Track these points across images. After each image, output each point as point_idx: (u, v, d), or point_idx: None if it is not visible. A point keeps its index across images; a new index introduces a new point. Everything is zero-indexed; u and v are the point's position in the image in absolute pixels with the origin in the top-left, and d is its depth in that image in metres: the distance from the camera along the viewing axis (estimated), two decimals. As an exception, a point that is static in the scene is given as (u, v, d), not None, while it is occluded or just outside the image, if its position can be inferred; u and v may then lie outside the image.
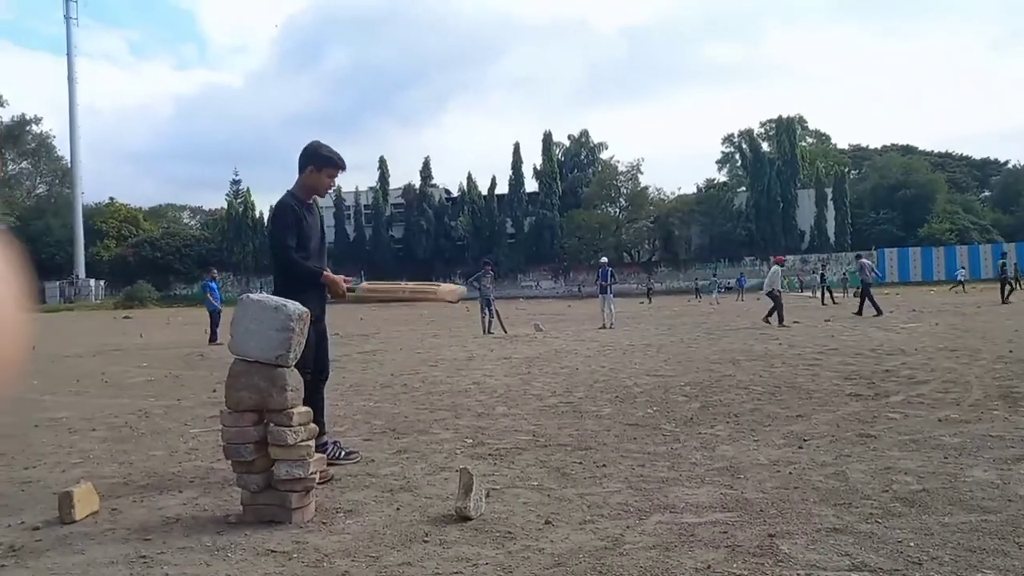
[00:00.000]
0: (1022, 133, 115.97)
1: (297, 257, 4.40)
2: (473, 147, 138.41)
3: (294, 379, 3.58)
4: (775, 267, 17.55)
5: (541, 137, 61.91)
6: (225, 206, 66.40)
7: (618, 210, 61.37)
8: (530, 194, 62.19)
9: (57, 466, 4.81)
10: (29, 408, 7.01)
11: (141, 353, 14.21)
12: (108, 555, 3.08)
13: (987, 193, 75.25)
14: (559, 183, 61.05)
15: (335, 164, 4.57)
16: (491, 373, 9.14)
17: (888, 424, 5.26)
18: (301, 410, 3.58)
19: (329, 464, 4.19)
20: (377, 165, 64.13)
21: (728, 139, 68.42)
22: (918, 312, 19.61)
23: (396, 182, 63.75)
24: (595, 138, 66.34)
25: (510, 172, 62.37)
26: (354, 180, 64.85)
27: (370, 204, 63.50)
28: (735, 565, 2.77)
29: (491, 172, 78.56)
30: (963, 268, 41.49)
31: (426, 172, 63.41)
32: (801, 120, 67.75)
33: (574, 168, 64.48)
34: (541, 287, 59.56)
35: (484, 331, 16.75)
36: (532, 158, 62.83)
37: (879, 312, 18.04)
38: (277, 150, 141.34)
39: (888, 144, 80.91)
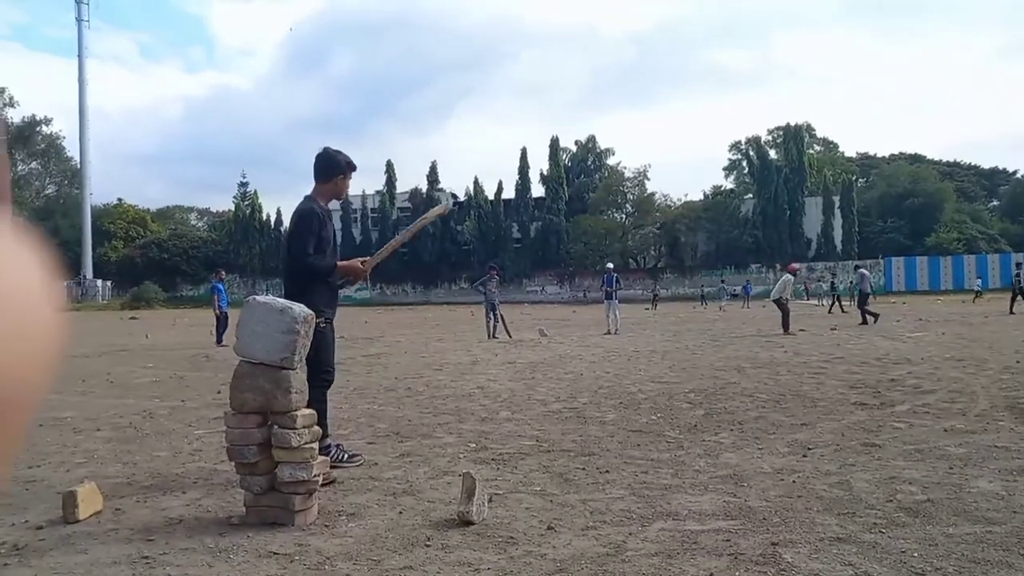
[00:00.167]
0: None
1: (314, 259, 4.48)
2: (480, 152, 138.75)
3: (299, 381, 3.59)
4: (787, 276, 17.47)
5: (548, 142, 62.01)
6: (232, 208, 66.64)
7: (624, 216, 61.31)
8: (536, 199, 62.20)
9: (61, 466, 4.82)
10: (38, 406, 7.02)
11: (147, 354, 14.25)
12: (111, 555, 3.09)
13: (995, 203, 74.86)
14: (566, 188, 61.04)
15: (354, 168, 4.73)
16: (495, 378, 9.14)
17: (893, 434, 5.24)
18: (305, 412, 3.59)
19: (332, 467, 4.20)
20: (384, 169, 64.27)
21: (735, 146, 68.23)
22: (925, 321, 19.52)
23: (403, 186, 63.82)
24: (602, 144, 66.30)
25: (517, 177, 62.42)
26: (361, 184, 64.90)
27: (377, 208, 63.58)
28: (738, 573, 2.76)
29: (498, 177, 78.65)
30: (980, 278, 41.25)
31: (433, 176, 63.51)
32: (809, 128, 67.60)
33: (581, 173, 64.43)
34: (546, 292, 59.52)
35: (488, 335, 16.74)
36: (539, 163, 62.99)
37: (866, 320, 18.26)
38: (284, 153, 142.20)
39: (896, 152, 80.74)
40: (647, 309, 35.28)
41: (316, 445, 3.62)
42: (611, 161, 65.10)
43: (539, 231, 60.68)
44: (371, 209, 63.89)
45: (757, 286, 46.30)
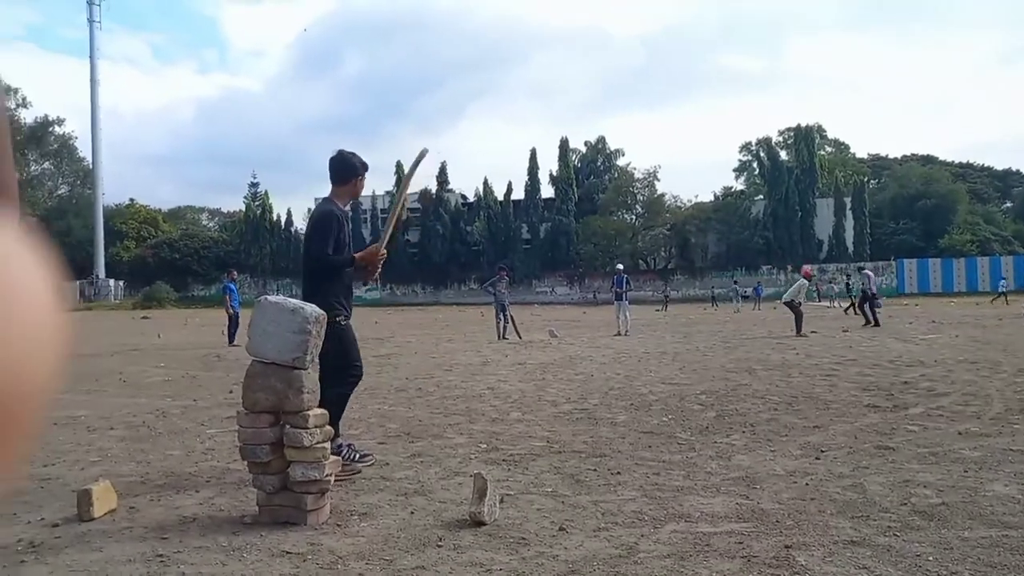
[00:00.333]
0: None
1: (332, 257, 4.54)
2: (490, 152, 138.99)
3: (311, 381, 3.60)
4: (802, 280, 17.41)
5: (558, 143, 62.01)
6: (243, 209, 66.96)
7: (634, 217, 61.22)
8: (546, 200, 62.19)
9: (76, 464, 4.86)
10: (48, 406, 7.08)
11: (159, 353, 14.34)
12: (126, 553, 3.11)
13: (1009, 204, 74.29)
14: (575, 189, 61.01)
15: (367, 168, 4.80)
16: (505, 378, 9.14)
17: (907, 436, 5.20)
18: (317, 412, 3.60)
19: (343, 467, 4.22)
20: (394, 170, 64.36)
21: (746, 147, 67.98)
22: (938, 323, 19.39)
23: (412, 186, 63.91)
24: (612, 145, 66.34)
25: (526, 178, 62.45)
26: (371, 184, 65.10)
27: (386, 208, 63.75)
28: (751, 576, 2.74)
29: (507, 178, 78.55)
30: (1004, 279, 40.86)
31: (442, 177, 63.61)
32: (820, 129, 67.31)
33: (590, 174, 64.41)
34: (556, 293, 59.49)
35: (499, 336, 16.74)
36: (548, 164, 62.93)
37: (869, 321, 18.24)
38: (295, 154, 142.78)
39: (908, 154, 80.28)
40: (658, 311, 35.20)
41: (328, 445, 3.63)
42: (621, 162, 65.10)
43: (549, 232, 60.66)
44: (381, 209, 64.03)
45: (768, 288, 46.07)
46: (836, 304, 33.25)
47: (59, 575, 2.91)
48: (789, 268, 53.21)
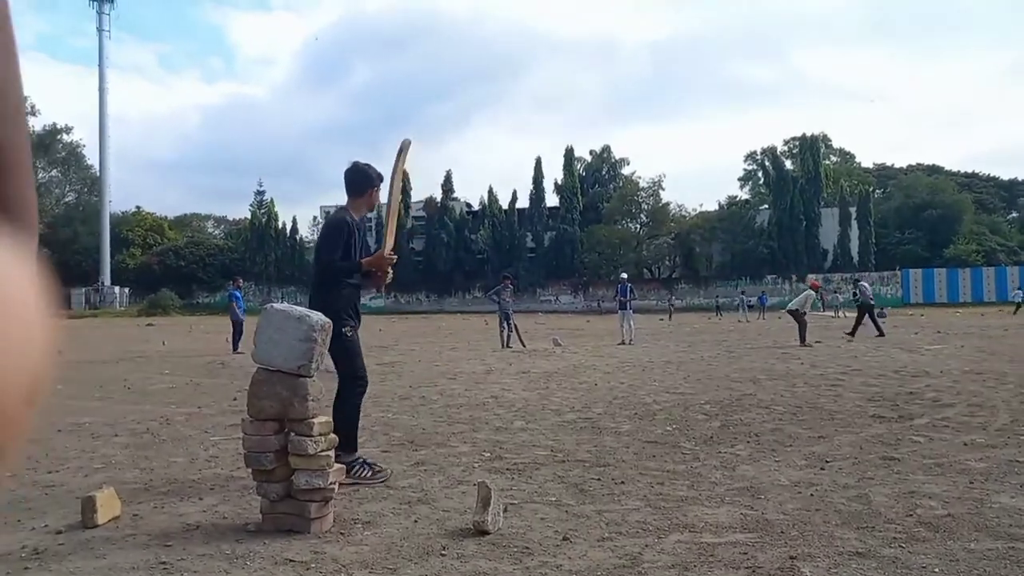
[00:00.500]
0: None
1: (339, 263, 4.54)
2: (495, 161, 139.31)
3: (315, 389, 3.61)
4: (808, 291, 17.38)
5: (563, 152, 62.12)
6: (248, 216, 67.17)
7: (639, 226, 61.25)
8: (551, 209, 62.27)
9: (80, 471, 4.87)
10: (53, 413, 7.11)
11: (163, 360, 14.37)
12: (129, 560, 3.11)
13: (1014, 214, 74.21)
14: (580, 198, 61.07)
15: (381, 179, 4.82)
16: (509, 387, 9.13)
17: (912, 447, 5.18)
18: (322, 420, 3.61)
19: (353, 483, 4.22)
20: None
21: (751, 156, 68.07)
22: (943, 334, 19.32)
23: (417, 195, 64.11)
24: (617, 154, 66.42)
25: (531, 186, 62.58)
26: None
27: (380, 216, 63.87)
28: (755, 587, 2.73)
29: (512, 186, 78.76)
30: (1020, 290, 40.64)
31: (447, 185, 63.78)
32: (825, 138, 67.36)
33: (595, 183, 64.48)
34: (560, 302, 59.47)
35: (503, 345, 16.73)
36: (553, 173, 63.05)
37: (853, 334, 17.82)
38: (301, 162, 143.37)
39: (914, 164, 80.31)
40: (661, 320, 35.15)
41: (332, 453, 3.63)
42: (626, 171, 65.18)
43: (553, 241, 60.71)
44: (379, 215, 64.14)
45: (772, 297, 45.99)
46: (841, 314, 33.12)
47: (63, 582, 2.92)
48: (794, 278, 53.14)
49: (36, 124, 64.05)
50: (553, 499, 3.99)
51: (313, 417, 3.55)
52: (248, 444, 3.58)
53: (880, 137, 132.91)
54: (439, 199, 63.01)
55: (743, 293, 42.20)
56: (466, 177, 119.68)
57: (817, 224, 56.76)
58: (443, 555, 3.12)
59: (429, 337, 22.56)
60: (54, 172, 69.01)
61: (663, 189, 61.01)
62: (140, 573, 2.97)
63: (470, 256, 61.67)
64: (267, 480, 3.52)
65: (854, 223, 56.50)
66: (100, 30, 66.20)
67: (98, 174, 66.39)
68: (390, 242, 4.76)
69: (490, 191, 62.84)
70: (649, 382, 9.46)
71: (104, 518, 3.59)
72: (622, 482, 4.33)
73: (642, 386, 9.03)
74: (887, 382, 8.93)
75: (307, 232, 67.76)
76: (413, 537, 3.37)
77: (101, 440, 5.95)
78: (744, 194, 69.39)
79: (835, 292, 40.90)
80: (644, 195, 60.94)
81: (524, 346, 16.46)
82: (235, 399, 7.88)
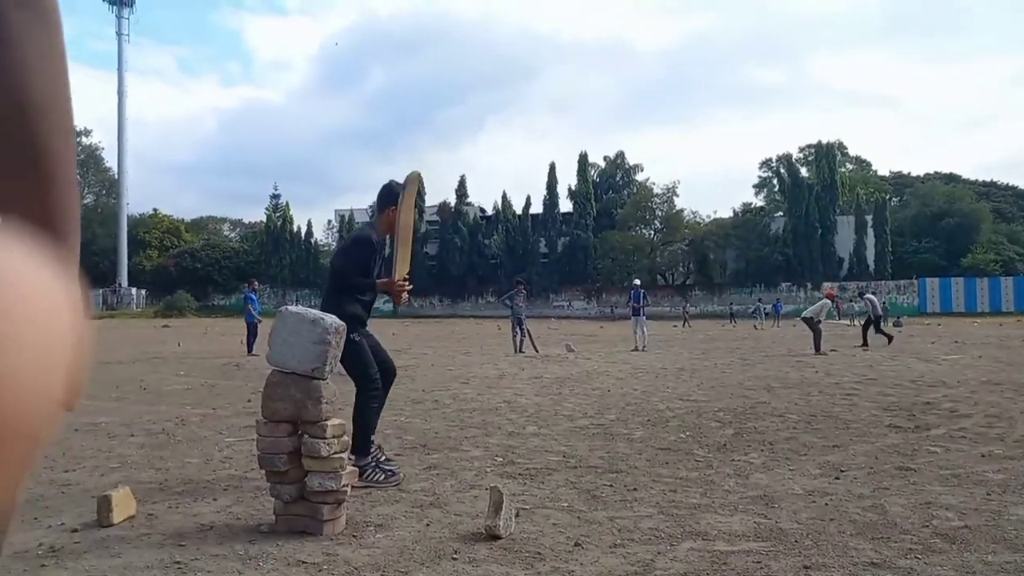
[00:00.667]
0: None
1: (354, 278, 4.66)
2: (508, 166, 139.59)
3: (329, 391, 3.62)
4: (825, 300, 17.30)
5: (577, 157, 62.06)
6: (264, 220, 67.62)
7: (653, 232, 61.03)
8: (564, 214, 62.19)
9: (96, 470, 4.91)
10: (70, 412, 7.17)
11: (179, 362, 14.48)
12: (144, 559, 3.14)
13: (1034, 223, 73.24)
14: (594, 204, 60.97)
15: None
16: (522, 392, 9.13)
17: (928, 457, 5.13)
18: (335, 422, 3.62)
19: (365, 486, 4.23)
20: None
21: (766, 163, 67.76)
22: (960, 343, 19.12)
23: (431, 199, 64.29)
24: (631, 160, 66.19)
25: (545, 192, 62.53)
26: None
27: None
28: (769, 596, 2.71)
29: (526, 191, 78.85)
30: None
31: (461, 190, 63.89)
32: (841, 146, 66.86)
33: (609, 189, 64.35)
34: (573, 307, 59.35)
35: (515, 350, 16.73)
36: (567, 178, 62.96)
37: (865, 344, 17.72)
38: (316, 166, 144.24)
39: (931, 172, 79.50)
40: (675, 327, 35.00)
41: (345, 455, 3.64)
42: (640, 177, 64.96)
43: (567, 246, 60.63)
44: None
45: (787, 305, 45.65)
46: (856, 322, 32.85)
47: (78, 580, 2.94)
48: (809, 286, 52.75)
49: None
50: (565, 505, 3.98)
51: (326, 419, 3.57)
52: (262, 445, 3.60)
53: (896, 142, 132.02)
54: (453, 204, 63.14)
55: (760, 300, 41.83)
56: (480, 182, 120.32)
57: (833, 232, 56.32)
58: (455, 559, 3.12)
59: (442, 341, 22.59)
60: (73, 175, 69.68)
61: (677, 195, 60.69)
62: (155, 572, 3.00)
63: (484, 261, 61.70)
64: (280, 481, 3.54)
65: (870, 231, 56.01)
66: (119, 34, 66.99)
67: (116, 176, 67.10)
68: (403, 269, 4.80)
69: (504, 196, 62.89)
70: (662, 389, 9.43)
71: (119, 517, 3.62)
72: (635, 489, 4.31)
73: (655, 393, 8.99)
74: (903, 392, 8.84)
75: (322, 236, 68.23)
76: (425, 541, 3.37)
77: (117, 440, 6.00)
78: (759, 201, 69.12)
79: (851, 301, 40.57)
80: (658, 201, 60.70)
81: (537, 351, 16.45)
82: (249, 401, 7.93)
